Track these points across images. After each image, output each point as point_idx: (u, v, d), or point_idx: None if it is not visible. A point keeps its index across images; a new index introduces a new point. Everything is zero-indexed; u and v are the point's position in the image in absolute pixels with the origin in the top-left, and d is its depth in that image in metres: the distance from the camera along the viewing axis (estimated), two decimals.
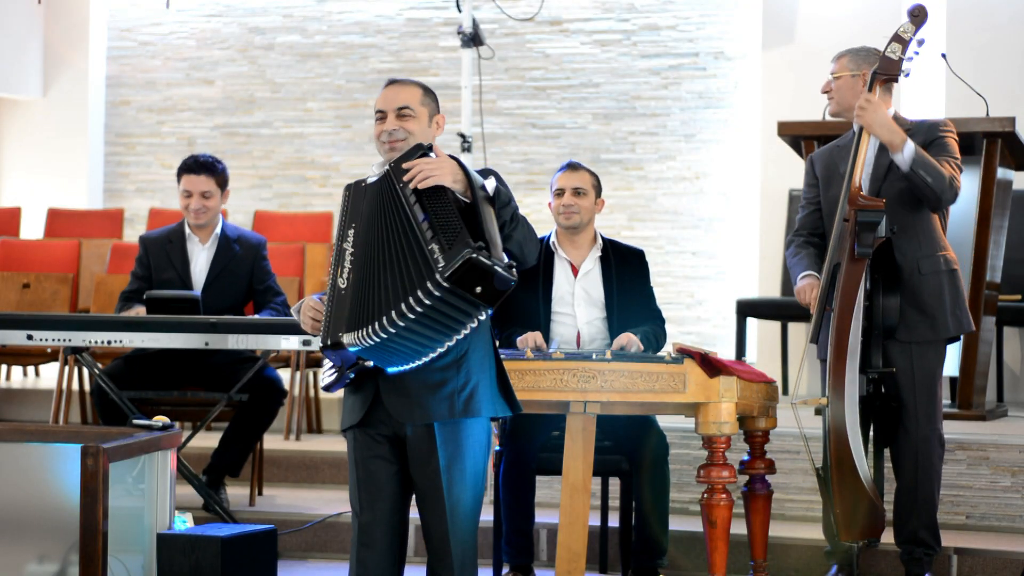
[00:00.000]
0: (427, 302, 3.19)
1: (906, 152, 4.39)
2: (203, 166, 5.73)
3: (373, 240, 3.33)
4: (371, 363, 3.37)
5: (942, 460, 4.58)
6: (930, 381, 4.53)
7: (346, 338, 3.29)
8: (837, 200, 4.56)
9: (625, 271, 4.82)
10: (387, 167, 3.39)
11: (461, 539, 3.47)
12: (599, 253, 4.82)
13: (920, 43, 4.49)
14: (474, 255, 3.16)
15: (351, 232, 3.37)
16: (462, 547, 3.47)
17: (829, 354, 4.39)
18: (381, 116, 3.53)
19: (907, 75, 4.52)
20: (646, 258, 4.91)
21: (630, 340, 4.52)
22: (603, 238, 4.87)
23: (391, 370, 3.38)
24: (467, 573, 3.49)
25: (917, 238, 4.56)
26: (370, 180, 3.41)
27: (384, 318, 3.22)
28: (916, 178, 4.40)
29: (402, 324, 3.21)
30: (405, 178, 3.31)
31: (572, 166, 4.85)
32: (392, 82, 3.56)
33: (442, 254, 3.18)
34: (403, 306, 3.20)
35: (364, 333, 3.25)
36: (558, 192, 4.81)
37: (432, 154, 3.39)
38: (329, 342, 3.33)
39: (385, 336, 3.23)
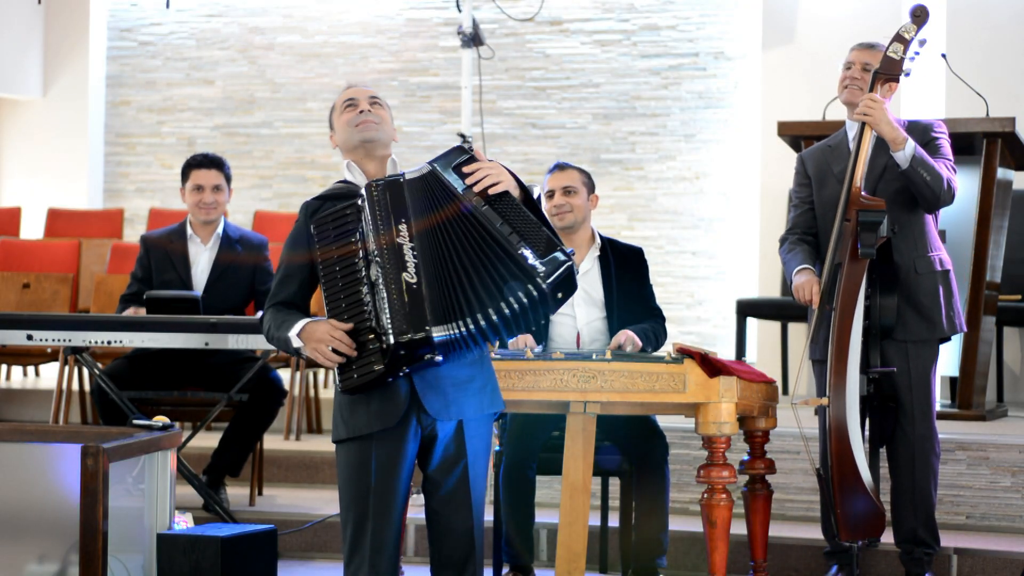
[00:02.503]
0: (525, 302, 3.29)
1: (907, 150, 4.40)
2: (212, 161, 5.78)
3: (439, 239, 3.34)
4: (439, 358, 3.35)
5: (939, 459, 4.58)
6: (926, 380, 4.54)
7: (436, 330, 3.28)
8: (832, 200, 4.57)
9: (624, 270, 4.81)
10: (433, 166, 3.40)
11: (480, 535, 3.53)
12: (598, 253, 4.81)
13: (922, 43, 4.50)
14: (571, 263, 3.31)
15: (401, 228, 3.34)
16: (481, 544, 3.53)
17: (831, 353, 4.39)
18: (352, 103, 3.60)
19: (908, 75, 4.53)
20: (644, 256, 4.91)
21: (628, 338, 4.52)
22: (601, 237, 4.86)
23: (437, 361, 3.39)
24: (481, 569, 3.55)
25: (913, 238, 4.57)
26: (409, 176, 3.40)
27: (479, 314, 3.29)
28: (915, 175, 4.41)
29: (496, 320, 3.29)
30: (468, 181, 3.35)
31: (560, 166, 4.87)
32: (353, 85, 3.68)
33: (538, 260, 3.28)
34: (502, 304, 3.29)
35: (457, 325, 3.29)
36: (549, 193, 4.82)
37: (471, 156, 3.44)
38: (416, 335, 3.27)
39: (474, 329, 3.30)
